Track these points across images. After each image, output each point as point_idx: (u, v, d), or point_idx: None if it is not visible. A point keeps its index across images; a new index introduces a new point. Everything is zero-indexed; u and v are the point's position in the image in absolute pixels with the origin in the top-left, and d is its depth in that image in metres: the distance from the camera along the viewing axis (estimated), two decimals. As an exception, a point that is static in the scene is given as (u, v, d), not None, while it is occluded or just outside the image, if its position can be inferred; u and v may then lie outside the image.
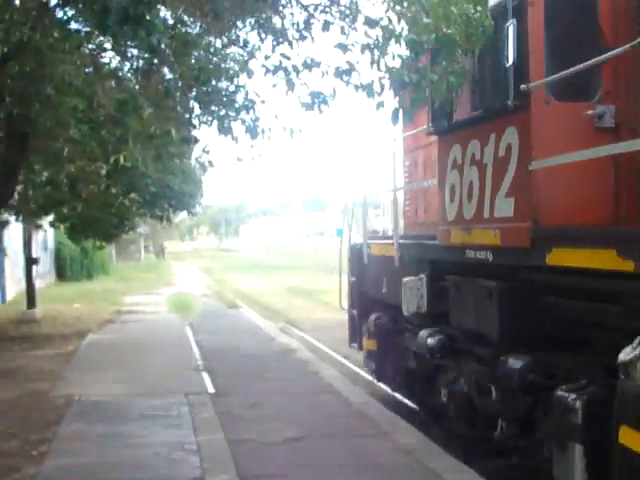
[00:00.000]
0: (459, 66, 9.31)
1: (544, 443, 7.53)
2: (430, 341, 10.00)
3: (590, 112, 7.38)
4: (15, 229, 27.41)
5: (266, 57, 10.76)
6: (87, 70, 11.43)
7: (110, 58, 12.46)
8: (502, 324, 8.15)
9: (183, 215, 33.88)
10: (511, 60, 7.87)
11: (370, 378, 13.77)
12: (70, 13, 10.40)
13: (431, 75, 9.55)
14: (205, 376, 13.92)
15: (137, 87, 11.70)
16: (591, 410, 6.57)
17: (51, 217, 24.37)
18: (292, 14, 10.53)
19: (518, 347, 8.00)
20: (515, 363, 7.84)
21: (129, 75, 12.62)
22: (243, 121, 11.70)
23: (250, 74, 11.79)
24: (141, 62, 12.04)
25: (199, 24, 11.62)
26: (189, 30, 11.43)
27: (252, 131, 11.53)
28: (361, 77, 10.11)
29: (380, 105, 10.00)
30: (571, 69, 6.89)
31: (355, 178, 14.58)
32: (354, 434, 9.96)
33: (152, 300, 31.68)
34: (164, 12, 10.30)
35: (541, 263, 7.29)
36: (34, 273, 25.15)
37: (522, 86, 7.65)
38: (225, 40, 11.82)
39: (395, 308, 11.54)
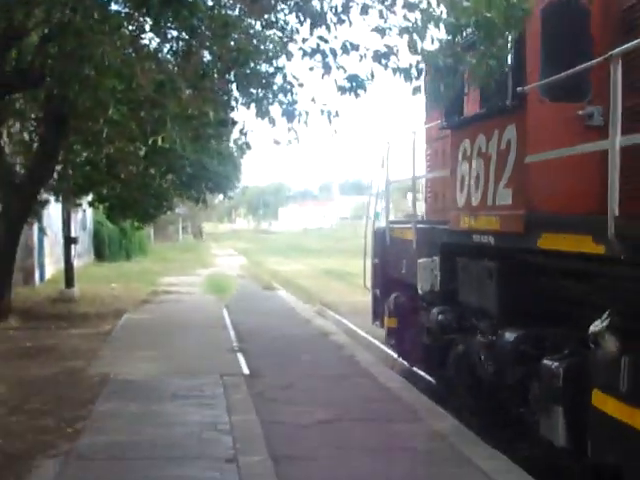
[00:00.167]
0: (498, 49, 9.27)
1: (533, 407, 8.38)
2: (441, 317, 11.01)
3: (581, 112, 8.00)
4: (54, 209, 27.59)
5: (304, 40, 10.75)
6: (126, 51, 11.46)
7: (150, 39, 12.51)
8: (500, 301, 9.18)
9: (221, 197, 33.88)
10: (510, 64, 8.87)
11: (396, 356, 14.40)
12: (111, -6, 10.47)
13: (469, 59, 9.51)
14: (240, 357, 13.96)
15: (176, 69, 11.74)
16: (570, 376, 7.50)
17: (90, 197, 24.54)
18: (331, -3, 10.51)
19: (514, 321, 8.87)
20: (510, 336, 8.80)
21: (168, 57, 12.66)
22: (281, 104, 11.71)
23: (289, 56, 11.77)
24: (180, 44, 12.08)
25: (238, 6, 11.63)
26: (229, 12, 11.45)
27: (289, 114, 11.54)
28: (399, 61, 10.09)
29: (417, 90, 9.99)
30: (563, 74, 7.56)
31: (380, 164, 15.01)
32: (387, 418, 9.95)
33: (189, 281, 31.82)
34: (204, -6, 10.31)
35: (533, 246, 8.14)
36: (73, 252, 25.30)
37: (519, 88, 8.55)
38: (264, 22, 11.81)
39: (412, 287, 12.42)
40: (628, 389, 6.54)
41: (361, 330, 18.14)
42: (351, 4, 10.31)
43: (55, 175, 20.49)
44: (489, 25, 9.07)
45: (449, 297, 10.96)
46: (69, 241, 25.27)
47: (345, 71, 10.50)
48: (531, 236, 8.18)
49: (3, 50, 14.44)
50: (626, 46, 6.73)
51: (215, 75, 11.77)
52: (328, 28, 10.42)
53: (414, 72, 9.78)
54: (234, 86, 12.34)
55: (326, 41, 10.38)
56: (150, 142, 14.17)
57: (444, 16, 9.44)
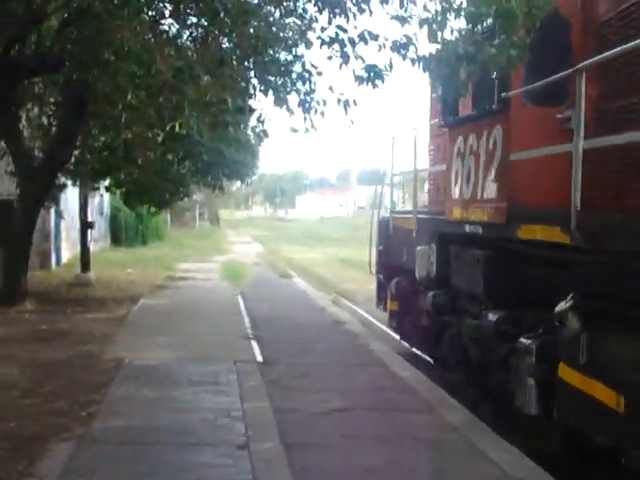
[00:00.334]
0: (519, 39, 9.27)
1: (510, 380, 9.17)
2: (436, 301, 12.04)
3: (560, 115, 8.32)
4: (72, 193, 27.68)
5: (322, 29, 10.73)
6: (146, 37, 11.48)
7: (169, 25, 12.52)
8: (485, 285, 10.05)
9: (239, 184, 33.98)
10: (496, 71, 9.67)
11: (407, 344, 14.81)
12: (131, -21, 10.48)
13: (489, 48, 9.50)
14: (254, 344, 13.97)
15: (195, 55, 11.74)
16: (541, 352, 8.37)
17: (107, 182, 24.60)
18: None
19: (498, 304, 9.76)
20: (493, 317, 9.69)
21: (187, 43, 12.67)
22: (298, 92, 11.71)
23: (308, 45, 11.75)
24: (200, 30, 12.09)
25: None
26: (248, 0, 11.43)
27: (305, 105, 11.54)
28: (418, 50, 10.08)
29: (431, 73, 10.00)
30: (543, 81, 8.23)
31: (388, 156, 16.01)
32: (401, 408, 9.94)
33: (205, 267, 31.90)
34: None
35: (513, 236, 9.07)
36: (89, 237, 25.39)
37: (503, 94, 9.50)
38: (283, 10, 11.80)
39: (412, 273, 13.40)
40: (586, 361, 7.41)
41: (375, 319, 18.15)
42: (372, -7, 10.30)
43: (73, 159, 20.55)
44: (509, 14, 9.06)
45: (443, 282, 11.84)
46: (86, 225, 25.35)
47: (364, 61, 10.48)
48: (511, 227, 9.13)
49: (23, 34, 14.49)
50: (590, 61, 7.44)
51: (234, 62, 11.77)
52: (347, 17, 10.41)
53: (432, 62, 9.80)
54: (252, 73, 12.34)
55: (345, 30, 10.36)
56: (168, 128, 14.19)
57: (464, 5, 9.44)
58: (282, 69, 12.04)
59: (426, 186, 15.39)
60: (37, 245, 23.84)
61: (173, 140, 18.07)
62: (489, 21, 9.63)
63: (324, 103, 11.54)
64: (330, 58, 10.47)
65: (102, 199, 40.07)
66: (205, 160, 21.71)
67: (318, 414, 9.52)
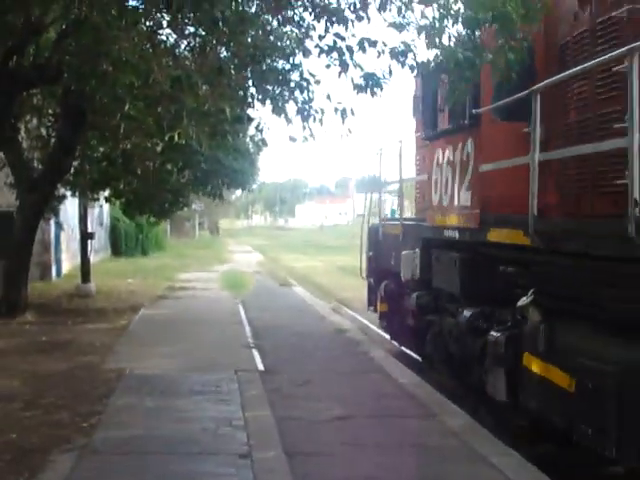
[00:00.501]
0: (517, 43, 9.30)
1: (484, 371, 9.87)
2: (420, 301, 12.88)
3: (526, 129, 8.81)
4: (71, 204, 27.70)
5: (320, 37, 10.73)
6: (143, 47, 11.48)
7: (167, 35, 12.53)
8: (461, 284, 10.85)
9: (238, 193, 34.10)
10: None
11: (410, 354, 14.80)
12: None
13: (487, 53, 9.53)
14: (255, 353, 13.97)
15: (193, 65, 11.74)
16: (509, 344, 9.11)
17: (107, 192, 24.62)
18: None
19: (473, 302, 10.57)
20: (467, 313, 10.52)
21: (185, 53, 12.68)
22: (296, 101, 11.71)
23: (306, 53, 11.76)
24: (197, 40, 12.09)
25: (255, 2, 11.63)
26: (245, 8, 11.44)
27: (304, 113, 11.55)
28: (417, 57, 10.10)
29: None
30: (509, 98, 8.97)
31: (377, 167, 17.15)
32: (402, 415, 9.94)
33: (205, 277, 31.89)
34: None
35: (484, 239, 9.97)
36: (89, 248, 25.39)
37: (473, 110, 10.36)
38: (280, 19, 11.81)
39: (399, 276, 14.05)
40: (544, 349, 8.22)
41: (376, 327, 18.14)
42: (369, 1, 10.30)
43: (72, 170, 20.56)
44: (506, 19, 9.09)
45: (426, 283, 12.64)
46: (86, 236, 25.37)
47: (362, 69, 10.49)
48: (483, 231, 10.02)
49: (21, 46, 14.51)
50: (543, 83, 8.36)
51: (232, 71, 11.78)
52: (345, 25, 10.41)
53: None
54: (251, 82, 12.35)
55: (343, 38, 10.37)
56: (167, 138, 14.20)
57: (461, 10, 9.46)
58: (280, 78, 12.03)
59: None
60: (37, 256, 23.86)
61: (172, 150, 18.10)
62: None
63: (322, 112, 11.54)
64: (329, 66, 10.48)
65: (102, 210, 40.09)
66: (204, 169, 21.74)
67: (320, 422, 9.52)
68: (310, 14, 11.11)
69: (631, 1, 7.54)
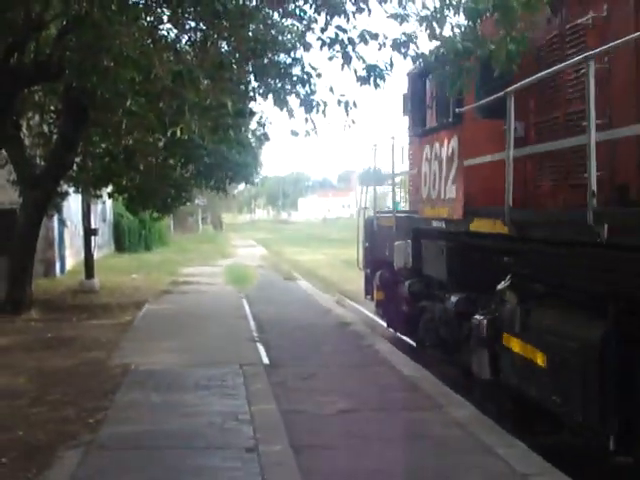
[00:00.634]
0: (519, 33, 9.29)
1: (469, 352, 10.50)
2: (412, 288, 13.64)
3: (505, 127, 9.23)
4: (74, 201, 27.70)
5: (322, 30, 10.71)
6: (144, 42, 11.47)
7: (167, 30, 12.52)
8: (448, 272, 11.59)
9: (241, 187, 34.08)
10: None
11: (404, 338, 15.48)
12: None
13: (489, 44, 9.51)
14: (260, 347, 13.97)
15: (194, 59, 11.73)
16: (491, 326, 9.77)
17: (110, 188, 24.61)
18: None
19: (459, 288, 11.23)
20: (453, 298, 11.19)
21: (186, 47, 12.66)
22: (298, 94, 11.69)
23: (307, 47, 11.74)
24: (198, 34, 12.08)
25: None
26: (246, 2, 11.43)
27: (307, 104, 11.53)
28: (418, 48, 10.09)
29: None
30: (490, 98, 9.46)
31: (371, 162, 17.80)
32: (407, 407, 9.94)
33: (209, 271, 31.87)
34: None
35: (467, 229, 10.66)
36: (93, 244, 25.39)
37: (457, 109, 10.93)
38: (281, 12, 11.79)
39: (392, 265, 14.72)
40: (520, 329, 8.96)
41: (380, 319, 18.13)
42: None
43: (74, 167, 20.56)
44: (507, 9, 9.07)
45: (418, 272, 13.38)
46: (89, 232, 25.35)
47: (364, 61, 10.48)
48: (467, 221, 10.66)
49: (22, 43, 14.50)
50: (515, 86, 8.79)
51: (233, 65, 11.77)
52: (347, 17, 10.39)
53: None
54: (252, 76, 12.34)
55: (345, 31, 10.35)
56: (169, 133, 14.19)
57: (463, 1, 9.45)
58: (282, 71, 12.02)
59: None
60: (41, 253, 23.88)
61: (175, 144, 18.09)
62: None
63: (325, 104, 11.53)
64: (331, 59, 10.46)
65: (105, 206, 40.07)
66: (208, 163, 21.72)
67: (325, 415, 9.52)
68: (311, 7, 11.09)
69: (595, 9, 8.30)
